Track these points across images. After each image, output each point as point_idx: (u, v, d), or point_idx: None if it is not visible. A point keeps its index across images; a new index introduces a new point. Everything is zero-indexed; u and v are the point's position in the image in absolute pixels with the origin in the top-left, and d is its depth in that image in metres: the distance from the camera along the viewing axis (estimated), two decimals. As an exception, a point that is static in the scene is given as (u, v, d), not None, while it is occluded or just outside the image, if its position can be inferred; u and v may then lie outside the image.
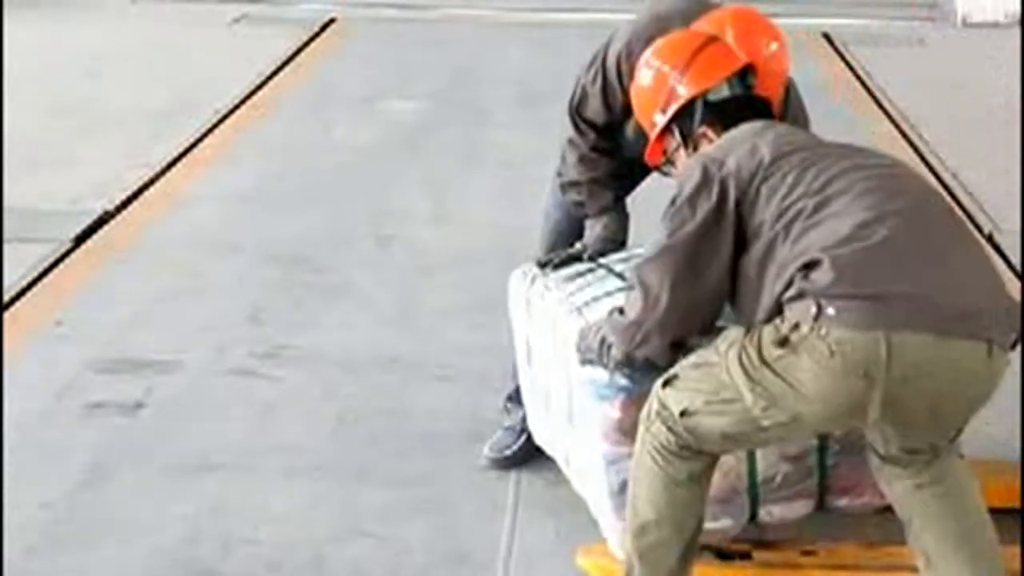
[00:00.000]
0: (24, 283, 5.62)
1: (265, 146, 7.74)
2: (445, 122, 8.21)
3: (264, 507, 4.05)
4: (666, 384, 3.22)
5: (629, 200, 4.06)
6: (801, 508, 3.64)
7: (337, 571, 3.76)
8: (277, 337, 5.17)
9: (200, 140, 7.73)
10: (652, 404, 3.24)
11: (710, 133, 3.42)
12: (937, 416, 3.14)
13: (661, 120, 3.49)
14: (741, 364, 3.09)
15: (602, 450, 3.55)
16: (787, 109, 3.75)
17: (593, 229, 4.00)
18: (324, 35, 10.63)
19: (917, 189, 3.27)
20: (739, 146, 3.26)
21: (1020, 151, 7.03)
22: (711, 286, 3.22)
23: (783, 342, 3.02)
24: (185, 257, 5.99)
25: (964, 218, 3.40)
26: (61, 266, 5.87)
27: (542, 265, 3.95)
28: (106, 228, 6.34)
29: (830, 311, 2.97)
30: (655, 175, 3.82)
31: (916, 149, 7.46)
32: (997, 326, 3.06)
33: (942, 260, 3.08)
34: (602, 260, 3.91)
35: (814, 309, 2.99)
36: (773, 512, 3.61)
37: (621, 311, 3.37)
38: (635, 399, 3.49)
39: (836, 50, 10.16)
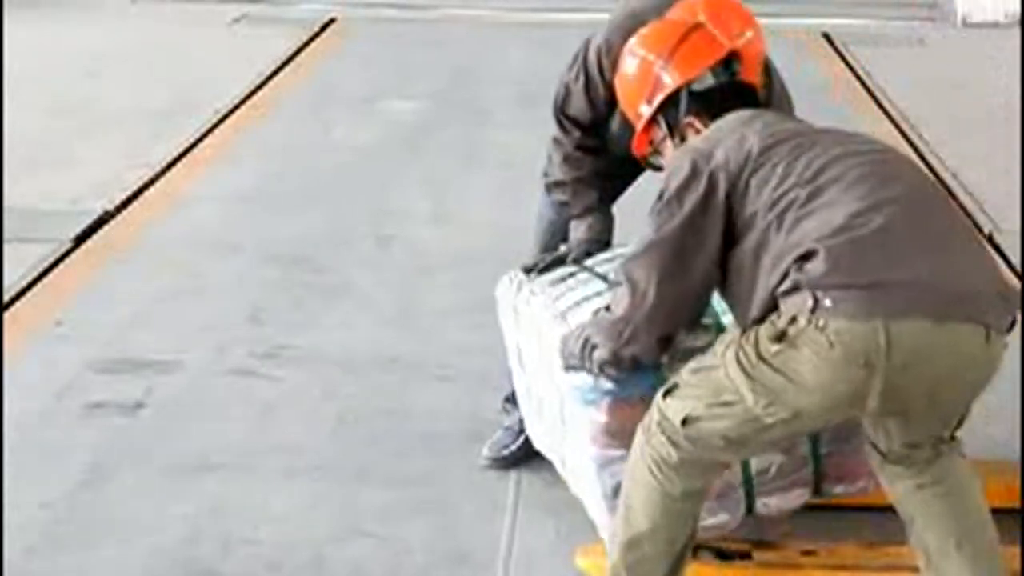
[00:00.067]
0: (24, 283, 5.62)
1: (265, 146, 7.74)
2: (445, 122, 8.21)
3: (264, 507, 4.05)
4: (666, 394, 3.21)
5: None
6: (797, 498, 3.64)
7: (337, 571, 3.76)
8: (277, 337, 5.17)
9: (200, 140, 7.73)
10: (653, 415, 3.22)
11: (696, 123, 3.41)
12: (937, 402, 3.14)
13: (647, 111, 3.48)
14: (739, 364, 3.08)
15: (592, 454, 3.55)
16: (771, 94, 3.75)
17: (577, 230, 4.00)
18: (324, 35, 10.63)
19: (910, 175, 3.26)
20: (727, 137, 3.24)
21: (1020, 151, 7.04)
22: (697, 279, 3.22)
23: (780, 336, 3.02)
24: (185, 257, 5.99)
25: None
26: (61, 266, 5.87)
27: (527, 271, 3.96)
28: (106, 228, 6.34)
29: (827, 302, 2.97)
30: (642, 178, 3.83)
31: (916, 149, 7.46)
32: (994, 310, 3.06)
33: (938, 246, 3.08)
34: (587, 262, 3.91)
35: (811, 301, 2.98)
36: (769, 504, 3.61)
37: (607, 308, 3.37)
38: (621, 402, 3.50)
39: (836, 50, 10.16)
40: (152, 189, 6.90)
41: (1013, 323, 3.11)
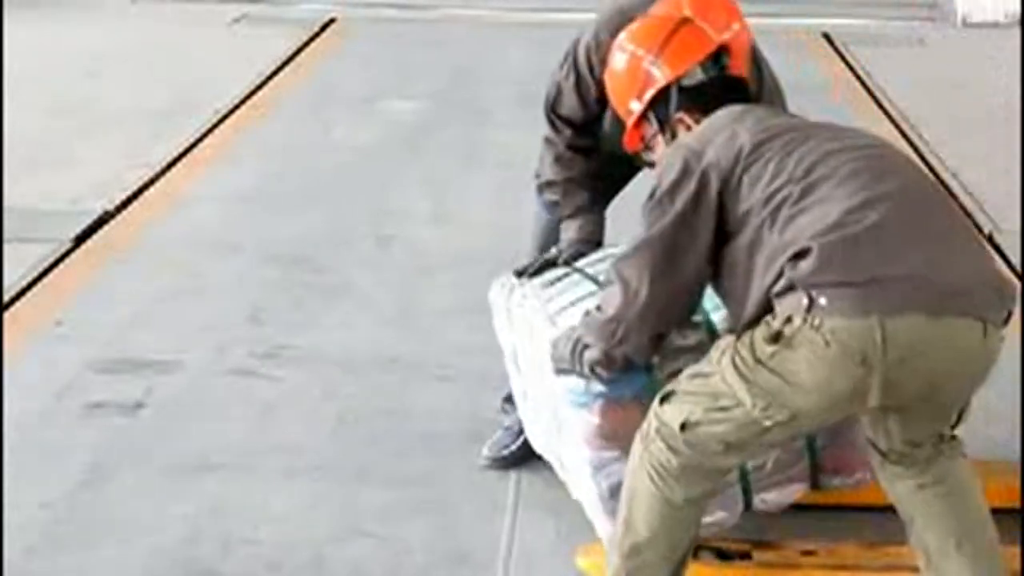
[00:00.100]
0: (24, 283, 5.62)
1: (265, 146, 7.74)
2: (445, 122, 8.21)
3: (264, 507, 4.05)
4: (663, 401, 3.20)
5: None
6: (795, 492, 3.64)
7: (337, 571, 3.76)
8: (277, 337, 5.17)
9: (200, 140, 7.73)
10: (651, 422, 3.21)
11: (687, 118, 3.40)
12: (936, 397, 3.13)
13: (637, 108, 3.47)
14: (736, 367, 3.07)
15: (587, 457, 3.55)
16: (761, 86, 3.75)
17: (568, 231, 4.00)
18: (324, 35, 10.63)
19: (904, 169, 3.25)
20: (718, 134, 3.23)
21: (1020, 151, 7.04)
22: (689, 277, 3.22)
23: (776, 337, 3.01)
24: (185, 257, 5.99)
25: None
26: (61, 266, 5.87)
27: (519, 274, 3.96)
28: (106, 228, 6.34)
29: (822, 301, 2.96)
30: (635, 179, 3.82)
31: (916, 149, 7.46)
32: (990, 304, 3.06)
33: (933, 241, 3.07)
34: (578, 263, 3.91)
35: (805, 300, 2.97)
36: (767, 499, 3.61)
37: (599, 308, 3.36)
38: (613, 403, 3.50)
39: (836, 50, 10.17)
40: (152, 189, 6.90)
41: (1009, 316, 3.11)
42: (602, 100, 3.75)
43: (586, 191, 3.99)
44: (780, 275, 3.03)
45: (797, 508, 3.84)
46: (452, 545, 3.87)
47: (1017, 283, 3.19)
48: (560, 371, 3.51)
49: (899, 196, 3.10)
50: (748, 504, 3.60)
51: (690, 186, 3.17)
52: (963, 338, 3.02)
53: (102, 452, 4.34)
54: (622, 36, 3.57)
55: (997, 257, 5.83)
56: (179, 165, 7.29)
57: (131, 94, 8.67)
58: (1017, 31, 10.04)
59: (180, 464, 4.27)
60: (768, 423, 3.07)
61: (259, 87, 8.89)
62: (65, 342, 5.13)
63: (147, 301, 5.50)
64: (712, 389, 3.12)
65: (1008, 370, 4.52)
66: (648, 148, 3.53)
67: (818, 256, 2.98)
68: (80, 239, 6.15)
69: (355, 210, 6.63)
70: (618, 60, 3.54)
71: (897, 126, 7.99)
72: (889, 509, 3.38)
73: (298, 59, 9.81)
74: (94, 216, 6.40)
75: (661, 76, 3.43)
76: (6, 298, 5.44)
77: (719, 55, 3.46)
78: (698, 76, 3.43)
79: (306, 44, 10.22)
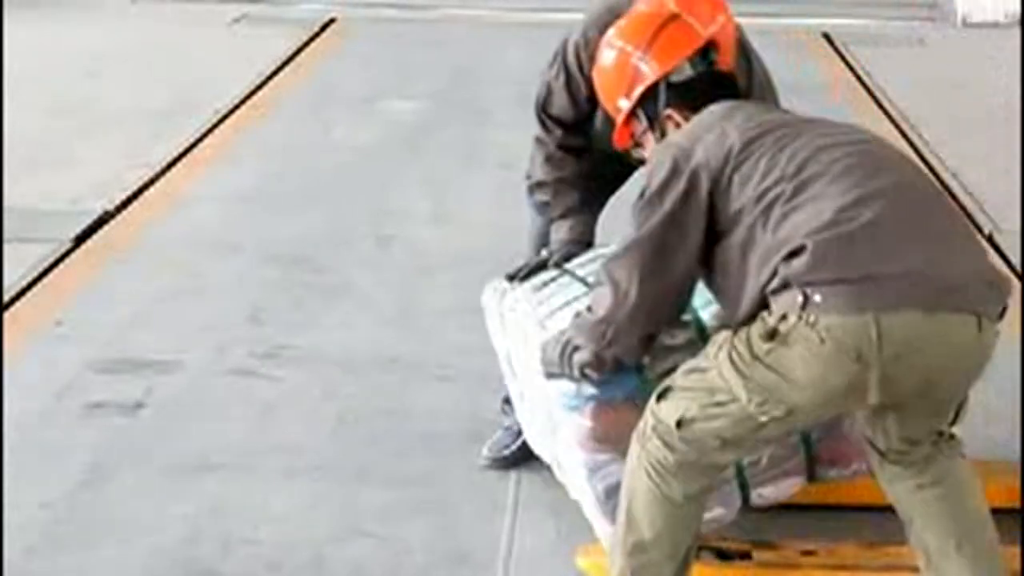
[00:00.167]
0: (24, 283, 5.62)
1: (265, 146, 7.74)
2: (445, 122, 8.21)
3: (264, 507, 4.05)
4: (659, 399, 3.20)
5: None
6: (792, 486, 3.63)
7: (337, 571, 3.76)
8: (277, 337, 5.17)
9: (200, 140, 7.73)
10: (647, 420, 3.21)
11: (676, 115, 3.40)
12: (932, 393, 3.13)
13: (626, 105, 3.47)
14: (732, 363, 3.07)
15: (581, 459, 3.55)
16: (751, 80, 3.74)
17: (559, 231, 4.00)
18: (324, 35, 10.64)
19: (897, 164, 3.25)
20: (707, 132, 3.23)
21: (1020, 151, 7.04)
22: (678, 276, 3.22)
23: (772, 335, 3.01)
24: (185, 257, 5.99)
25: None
26: (61, 266, 5.87)
27: (510, 278, 3.96)
28: (106, 228, 6.34)
29: (816, 298, 2.96)
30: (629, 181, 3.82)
31: (916, 149, 7.46)
32: (984, 298, 3.06)
33: (927, 236, 3.07)
34: (569, 264, 3.91)
35: (800, 298, 2.98)
36: (765, 494, 3.61)
37: (589, 309, 3.36)
38: (605, 405, 3.50)
39: (836, 50, 10.17)
40: (152, 189, 6.90)
41: (1004, 311, 3.11)
42: (592, 98, 3.74)
43: (577, 192, 3.99)
44: (775, 273, 3.03)
45: (797, 508, 3.85)
46: (452, 545, 3.87)
47: (1012, 277, 3.18)
48: (550, 375, 3.51)
49: (893, 192, 3.10)
50: (746, 499, 3.59)
51: (679, 186, 3.17)
52: (958, 334, 3.02)
53: (102, 452, 4.34)
54: (610, 32, 3.56)
55: (997, 257, 5.84)
56: (179, 165, 7.29)
57: (131, 94, 8.67)
58: (1017, 31, 10.04)
59: (180, 464, 4.27)
60: (764, 419, 3.07)
61: (259, 87, 8.89)
62: (65, 342, 5.13)
63: (147, 301, 5.50)
64: (709, 384, 3.12)
65: (1008, 369, 4.53)
66: (638, 145, 3.52)
67: (812, 254, 2.98)
68: (80, 239, 6.15)
69: (355, 210, 6.63)
70: (606, 56, 3.53)
71: (897, 126, 7.99)
72: (889, 509, 3.38)
73: (298, 59, 9.81)
74: (94, 216, 6.40)
75: (649, 72, 3.43)
76: (6, 298, 5.44)
77: (707, 50, 3.45)
78: (686, 72, 3.42)
79: (306, 44, 10.22)
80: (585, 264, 3.86)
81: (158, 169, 7.13)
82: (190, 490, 4.12)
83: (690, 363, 3.22)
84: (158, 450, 4.36)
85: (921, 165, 7.01)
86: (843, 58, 9.92)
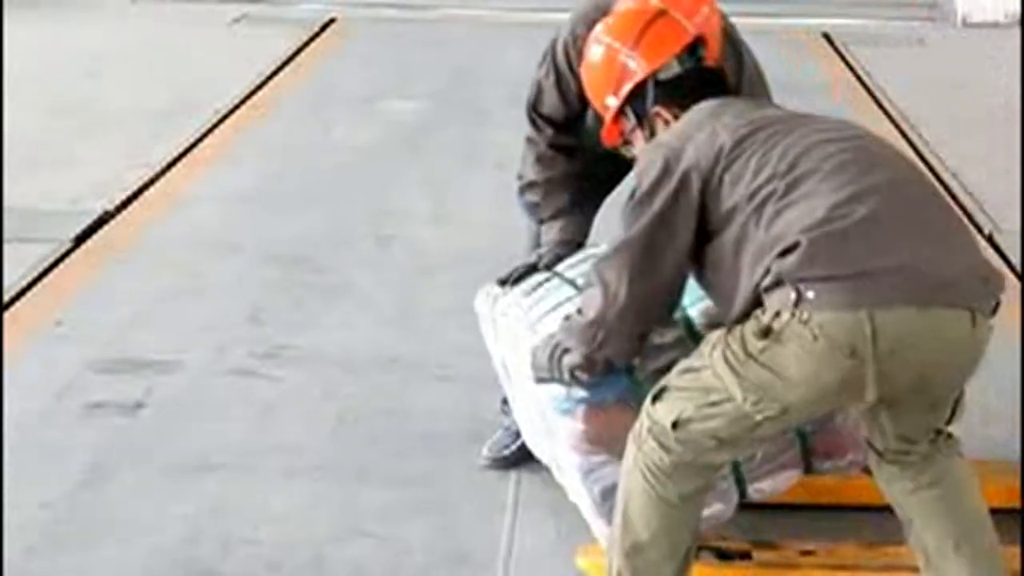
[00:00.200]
0: (24, 283, 5.62)
1: (265, 146, 7.74)
2: (445, 122, 8.21)
3: (264, 507, 4.05)
4: (655, 400, 3.20)
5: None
6: (789, 479, 3.62)
7: (337, 571, 3.76)
8: (277, 337, 5.17)
9: (200, 140, 7.73)
10: (643, 422, 3.20)
11: (664, 113, 3.39)
12: (927, 389, 3.13)
13: (614, 103, 3.46)
14: (727, 361, 3.07)
15: (575, 462, 3.55)
16: (741, 73, 3.72)
17: (548, 234, 4.00)
18: (324, 35, 10.64)
19: (891, 160, 3.24)
20: (697, 132, 3.22)
21: (1020, 151, 7.04)
22: (668, 276, 3.22)
23: (766, 332, 3.01)
24: (185, 257, 5.99)
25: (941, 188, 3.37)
26: (61, 266, 5.87)
27: (502, 282, 3.96)
28: (106, 228, 6.35)
29: (810, 295, 2.96)
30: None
31: (916, 149, 7.46)
32: (978, 293, 3.06)
33: (921, 232, 3.07)
34: (560, 266, 3.90)
35: (793, 295, 2.97)
36: (762, 488, 3.60)
37: (579, 312, 3.36)
38: (596, 407, 3.50)
39: (836, 50, 10.16)
40: (152, 189, 6.90)
41: (998, 306, 3.11)
42: (583, 96, 3.72)
43: (567, 192, 3.98)
44: (768, 271, 3.03)
45: (797, 508, 3.85)
46: (452, 545, 3.87)
47: (1005, 272, 3.17)
48: (540, 380, 3.50)
49: (887, 188, 3.09)
50: (743, 494, 3.58)
51: (670, 186, 3.16)
52: (952, 329, 3.02)
53: (102, 452, 4.34)
54: (598, 28, 3.55)
55: (997, 257, 5.84)
56: (179, 165, 7.29)
57: (131, 94, 8.67)
58: (1017, 31, 10.04)
59: (180, 464, 4.27)
60: (759, 417, 3.06)
61: (259, 87, 8.89)
62: (65, 342, 5.13)
63: (147, 301, 5.50)
64: (704, 384, 3.12)
65: (1008, 369, 4.53)
66: (627, 143, 3.51)
67: (805, 251, 2.98)
68: (80, 239, 6.15)
69: (355, 210, 6.63)
70: (594, 52, 3.52)
71: (897, 126, 7.99)
72: (888, 509, 3.38)
73: (298, 59, 9.81)
74: (94, 216, 6.40)
75: (637, 70, 3.42)
76: (6, 298, 5.45)
77: (695, 47, 3.44)
78: (674, 69, 3.41)
79: (306, 44, 10.22)
80: (576, 265, 3.85)
81: (158, 169, 7.13)
82: (190, 490, 4.12)
83: (685, 363, 3.22)
84: (158, 450, 4.36)
85: (920, 164, 7.05)
86: (843, 58, 9.91)
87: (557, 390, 3.51)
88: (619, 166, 3.83)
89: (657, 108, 3.40)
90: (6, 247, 5.86)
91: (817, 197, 3.04)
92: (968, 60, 10.03)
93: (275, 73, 9.28)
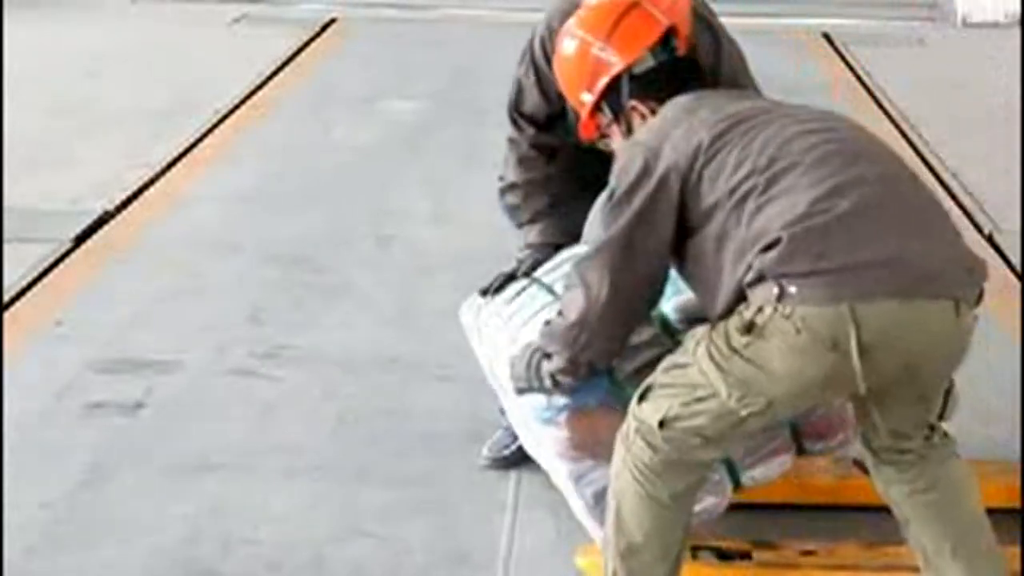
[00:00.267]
0: (24, 283, 5.62)
1: (265, 146, 7.74)
2: (445, 122, 8.21)
3: (264, 507, 4.05)
4: (641, 400, 3.20)
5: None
6: (782, 464, 3.61)
7: (337, 571, 3.76)
8: (277, 337, 5.17)
9: (200, 140, 7.72)
10: (630, 423, 3.20)
11: (641, 107, 3.38)
12: (915, 381, 3.12)
13: (589, 99, 3.44)
14: (711, 357, 3.07)
15: (565, 470, 3.55)
16: (719, 57, 3.65)
17: (528, 237, 3.98)
18: (324, 35, 10.63)
19: (874, 151, 3.22)
20: (674, 128, 3.20)
21: (1020, 151, 7.04)
22: (648, 272, 3.22)
23: (749, 328, 3.01)
24: (185, 257, 5.99)
25: (930, 186, 3.34)
26: (61, 266, 5.87)
27: (483, 292, 3.95)
28: (106, 228, 6.34)
29: (792, 290, 2.96)
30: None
31: (916, 149, 7.46)
32: (961, 283, 3.05)
33: (904, 224, 3.06)
34: (538, 272, 3.89)
35: (776, 290, 2.97)
36: (755, 475, 3.59)
37: (560, 314, 3.35)
38: (578, 412, 3.48)
39: (836, 50, 10.16)
40: (152, 189, 6.90)
41: (981, 295, 3.10)
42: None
43: (547, 195, 3.97)
44: (750, 267, 3.02)
45: (797, 508, 3.86)
46: (452, 545, 3.87)
47: (987, 261, 3.16)
48: (520, 391, 3.50)
49: (871, 180, 3.08)
50: (737, 483, 3.57)
51: (648, 185, 3.16)
52: (936, 320, 3.02)
53: (102, 452, 4.34)
54: (571, 21, 3.52)
55: (997, 257, 5.84)
56: (179, 165, 7.29)
57: (131, 94, 8.67)
58: (1017, 31, 10.05)
59: (180, 464, 4.27)
60: (744, 412, 3.06)
61: (259, 87, 8.88)
62: (65, 342, 5.13)
63: (147, 301, 5.50)
64: (689, 380, 3.11)
65: (1008, 369, 4.53)
66: (604, 136, 3.50)
67: (787, 246, 2.97)
68: (80, 239, 6.15)
69: (355, 210, 6.63)
70: (567, 46, 3.49)
71: (897, 126, 7.99)
72: (887, 509, 3.38)
73: (298, 59, 9.81)
74: (94, 216, 6.40)
75: (611, 64, 3.39)
76: (6, 298, 5.45)
77: (668, 38, 3.41)
78: (649, 62, 3.39)
79: (306, 44, 10.22)
80: (556, 269, 3.84)
81: (158, 169, 7.13)
82: (190, 490, 4.12)
83: (670, 359, 3.21)
84: (158, 450, 4.36)
85: (920, 164, 7.04)
86: (843, 58, 9.91)
87: (538, 400, 3.50)
88: (606, 165, 3.82)
89: (633, 102, 3.38)
90: (6, 247, 5.86)
91: (798, 192, 3.03)
92: (968, 60, 10.03)
93: (275, 73, 9.28)
